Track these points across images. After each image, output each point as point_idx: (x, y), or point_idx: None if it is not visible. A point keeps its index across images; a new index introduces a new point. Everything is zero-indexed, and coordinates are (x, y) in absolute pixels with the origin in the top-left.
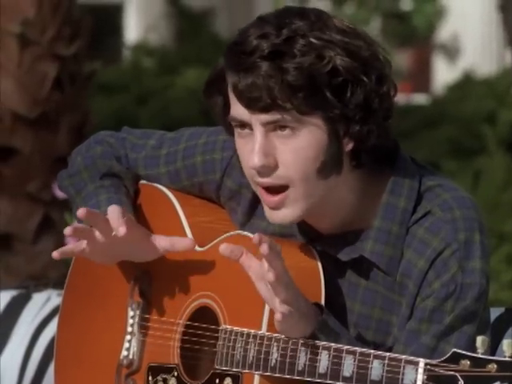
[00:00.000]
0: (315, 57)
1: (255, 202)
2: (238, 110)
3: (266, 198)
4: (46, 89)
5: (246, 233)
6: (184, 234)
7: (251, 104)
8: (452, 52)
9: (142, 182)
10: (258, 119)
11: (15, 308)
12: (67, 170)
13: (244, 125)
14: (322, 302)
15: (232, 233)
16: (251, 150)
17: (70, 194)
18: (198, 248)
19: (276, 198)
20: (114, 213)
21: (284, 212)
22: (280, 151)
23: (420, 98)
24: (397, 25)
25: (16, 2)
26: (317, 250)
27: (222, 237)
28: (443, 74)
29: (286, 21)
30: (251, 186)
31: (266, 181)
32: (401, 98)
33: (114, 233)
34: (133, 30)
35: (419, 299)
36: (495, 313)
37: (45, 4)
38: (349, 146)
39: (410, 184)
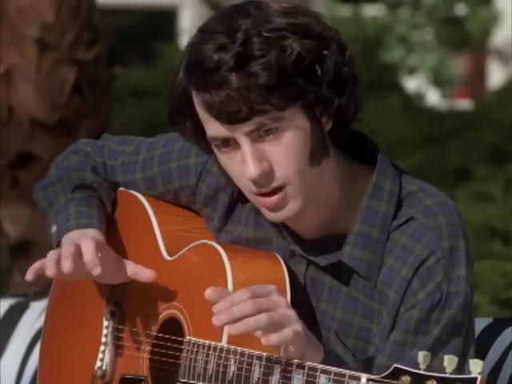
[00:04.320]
0: (278, 51)
1: (232, 206)
2: (216, 128)
3: (265, 201)
4: (65, 94)
5: (211, 242)
6: (156, 243)
7: (231, 118)
8: (507, 57)
9: (121, 188)
10: (241, 131)
11: (13, 316)
12: (41, 182)
13: (227, 140)
14: None
15: (200, 241)
16: (241, 162)
17: (42, 207)
18: (168, 258)
19: (274, 199)
20: (88, 253)
21: (285, 210)
22: (271, 153)
23: (466, 104)
24: (451, 30)
25: (35, 7)
26: (297, 255)
27: (189, 246)
28: (497, 79)
29: (233, 24)
30: (246, 195)
31: (265, 189)
32: (451, 104)
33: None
34: (187, 34)
35: (403, 309)
36: (483, 323)
37: (64, 8)
38: (329, 125)
39: (391, 188)
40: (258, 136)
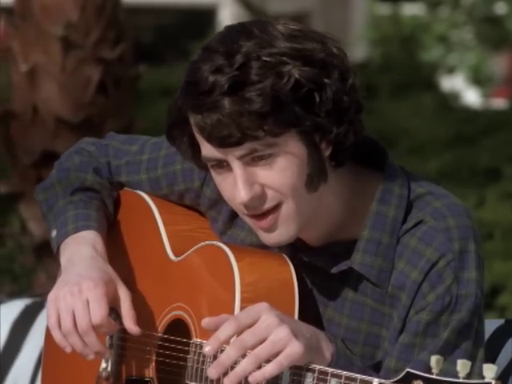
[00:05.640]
0: (275, 77)
1: (235, 211)
2: (210, 150)
3: (258, 223)
4: (89, 93)
5: (218, 243)
6: (162, 244)
7: (222, 142)
8: None
9: (125, 188)
10: (233, 154)
11: (28, 316)
12: (43, 183)
13: (220, 162)
14: (296, 314)
15: (206, 242)
16: (233, 184)
17: (42, 211)
18: (174, 258)
19: (268, 219)
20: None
21: (279, 232)
22: (263, 176)
23: (506, 103)
24: (491, 29)
25: (59, 5)
26: (303, 261)
27: (196, 247)
28: None
29: (234, 46)
30: (240, 216)
31: (257, 211)
32: (490, 103)
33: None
34: None
35: (412, 312)
36: (495, 324)
37: (88, 7)
38: (328, 151)
39: (400, 192)
40: (250, 160)
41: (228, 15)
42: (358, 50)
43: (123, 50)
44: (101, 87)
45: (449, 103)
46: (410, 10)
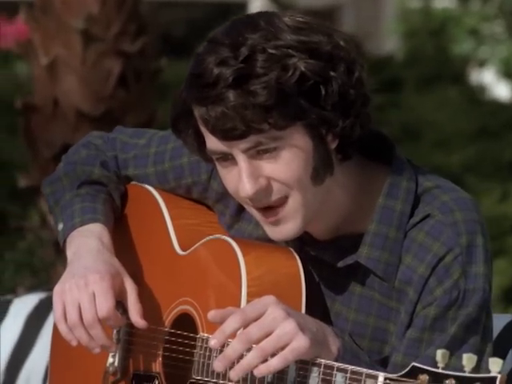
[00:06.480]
0: (280, 70)
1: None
2: (214, 143)
3: (265, 219)
4: (110, 86)
5: (224, 237)
6: (169, 238)
7: (226, 135)
8: None
9: (133, 182)
10: (237, 147)
11: (43, 311)
12: (50, 176)
13: (225, 155)
14: (303, 309)
15: (213, 237)
16: (238, 177)
17: (49, 204)
18: (181, 252)
19: (275, 214)
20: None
21: (286, 226)
22: (269, 169)
23: None
24: None
25: None
26: (310, 255)
27: (203, 241)
28: None
29: (239, 38)
30: (246, 208)
31: (263, 204)
32: None
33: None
34: None
35: (420, 307)
36: (504, 320)
37: (109, 0)
38: (334, 144)
39: (407, 186)
40: (255, 153)
41: (258, 9)
42: (389, 44)
43: (144, 43)
44: (121, 80)
45: (476, 96)
46: (441, 3)
